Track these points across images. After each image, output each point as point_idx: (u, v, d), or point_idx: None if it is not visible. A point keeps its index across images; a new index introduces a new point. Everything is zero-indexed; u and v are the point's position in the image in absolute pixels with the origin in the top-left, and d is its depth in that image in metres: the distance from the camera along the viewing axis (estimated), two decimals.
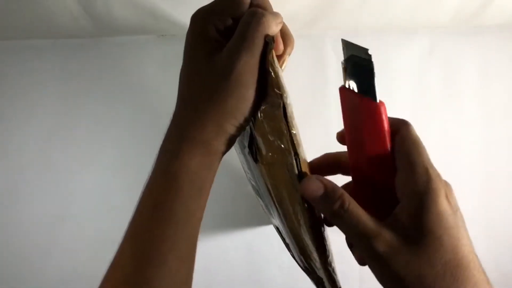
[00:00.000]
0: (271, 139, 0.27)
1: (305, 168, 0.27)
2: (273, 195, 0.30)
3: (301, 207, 0.26)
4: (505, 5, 0.49)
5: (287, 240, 0.34)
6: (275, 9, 0.28)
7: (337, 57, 0.53)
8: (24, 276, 0.53)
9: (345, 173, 0.30)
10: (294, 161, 0.26)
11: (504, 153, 0.52)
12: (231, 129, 0.26)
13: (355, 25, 0.53)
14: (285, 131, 0.26)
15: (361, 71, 0.24)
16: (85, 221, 0.53)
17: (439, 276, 0.21)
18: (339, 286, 0.29)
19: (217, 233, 0.52)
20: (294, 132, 0.26)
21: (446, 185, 0.24)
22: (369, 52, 0.24)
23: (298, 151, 0.26)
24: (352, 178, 0.28)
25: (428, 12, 0.50)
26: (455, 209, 0.23)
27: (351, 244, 0.27)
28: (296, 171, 0.26)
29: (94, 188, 0.53)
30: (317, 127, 0.52)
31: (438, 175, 0.23)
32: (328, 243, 0.28)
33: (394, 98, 0.52)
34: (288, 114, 0.26)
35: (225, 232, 0.53)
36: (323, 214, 0.25)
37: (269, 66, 0.25)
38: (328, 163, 0.30)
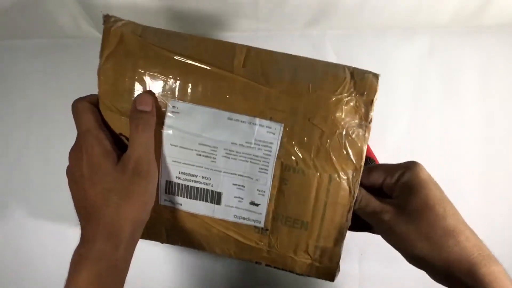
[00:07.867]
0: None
1: None
2: None
3: None
4: (505, 5, 0.49)
5: None
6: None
7: (337, 57, 0.53)
8: (24, 276, 0.53)
9: None
10: None
11: (504, 153, 0.52)
12: None
13: (355, 25, 0.53)
14: None
15: None
16: None
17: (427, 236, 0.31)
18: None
19: None
20: None
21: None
22: None
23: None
24: None
25: (428, 12, 0.50)
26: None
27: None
28: None
29: None
30: None
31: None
32: None
33: (394, 98, 0.52)
34: None
35: None
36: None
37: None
38: None
